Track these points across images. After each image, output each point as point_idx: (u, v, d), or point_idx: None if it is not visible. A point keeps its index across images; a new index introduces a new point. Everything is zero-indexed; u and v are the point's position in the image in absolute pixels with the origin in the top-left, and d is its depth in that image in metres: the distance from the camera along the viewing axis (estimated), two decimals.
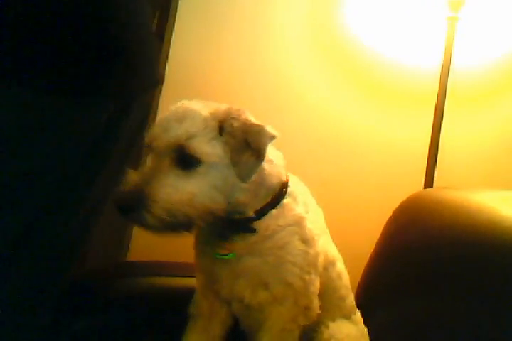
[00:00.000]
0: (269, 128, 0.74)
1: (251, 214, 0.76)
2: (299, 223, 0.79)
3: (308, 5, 1.63)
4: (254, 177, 0.73)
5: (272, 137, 0.74)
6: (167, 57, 1.61)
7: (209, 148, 0.70)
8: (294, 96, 1.63)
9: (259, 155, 0.72)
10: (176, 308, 0.88)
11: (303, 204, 0.82)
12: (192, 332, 0.86)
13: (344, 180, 1.62)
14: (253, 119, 0.74)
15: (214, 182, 0.71)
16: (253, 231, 0.77)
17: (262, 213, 0.77)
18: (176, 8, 1.63)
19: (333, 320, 0.88)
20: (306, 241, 0.79)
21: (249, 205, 0.76)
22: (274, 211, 0.78)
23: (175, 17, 1.63)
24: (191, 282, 0.89)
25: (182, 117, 0.72)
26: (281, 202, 0.79)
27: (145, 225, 0.68)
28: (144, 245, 1.44)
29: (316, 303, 0.81)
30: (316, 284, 0.81)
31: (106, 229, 1.20)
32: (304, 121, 1.62)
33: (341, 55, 1.64)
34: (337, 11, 1.63)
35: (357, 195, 1.61)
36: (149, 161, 0.72)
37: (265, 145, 0.73)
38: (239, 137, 0.71)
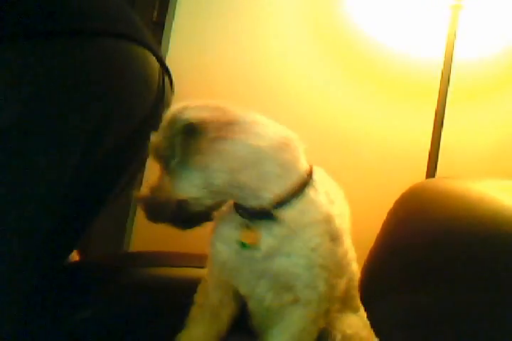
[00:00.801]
0: (186, 115, 0.69)
1: (270, 198, 0.71)
2: (328, 220, 0.74)
3: None
4: (249, 156, 0.69)
5: (187, 126, 0.68)
6: (167, 47, 1.60)
7: (169, 151, 0.70)
8: (293, 89, 1.62)
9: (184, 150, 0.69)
10: (177, 299, 0.87)
11: (324, 193, 0.76)
12: (196, 322, 0.83)
13: (345, 171, 1.60)
14: (205, 114, 0.68)
15: (191, 181, 0.70)
16: (274, 218, 0.72)
17: (283, 202, 0.72)
18: None
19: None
20: (335, 239, 0.74)
21: (261, 188, 0.71)
22: (297, 202, 0.72)
23: (175, 5, 1.61)
24: (193, 273, 0.88)
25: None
26: (304, 191, 0.73)
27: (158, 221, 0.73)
28: (146, 236, 1.45)
29: (336, 306, 0.79)
30: (340, 287, 0.78)
31: (107, 220, 1.20)
32: (305, 112, 1.61)
33: (343, 45, 1.63)
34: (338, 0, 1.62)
35: (358, 186, 1.60)
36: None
37: (182, 140, 0.68)
38: (167, 133, 0.70)
